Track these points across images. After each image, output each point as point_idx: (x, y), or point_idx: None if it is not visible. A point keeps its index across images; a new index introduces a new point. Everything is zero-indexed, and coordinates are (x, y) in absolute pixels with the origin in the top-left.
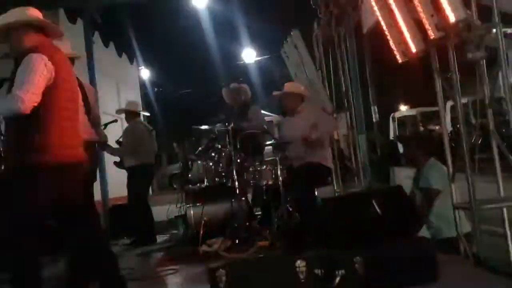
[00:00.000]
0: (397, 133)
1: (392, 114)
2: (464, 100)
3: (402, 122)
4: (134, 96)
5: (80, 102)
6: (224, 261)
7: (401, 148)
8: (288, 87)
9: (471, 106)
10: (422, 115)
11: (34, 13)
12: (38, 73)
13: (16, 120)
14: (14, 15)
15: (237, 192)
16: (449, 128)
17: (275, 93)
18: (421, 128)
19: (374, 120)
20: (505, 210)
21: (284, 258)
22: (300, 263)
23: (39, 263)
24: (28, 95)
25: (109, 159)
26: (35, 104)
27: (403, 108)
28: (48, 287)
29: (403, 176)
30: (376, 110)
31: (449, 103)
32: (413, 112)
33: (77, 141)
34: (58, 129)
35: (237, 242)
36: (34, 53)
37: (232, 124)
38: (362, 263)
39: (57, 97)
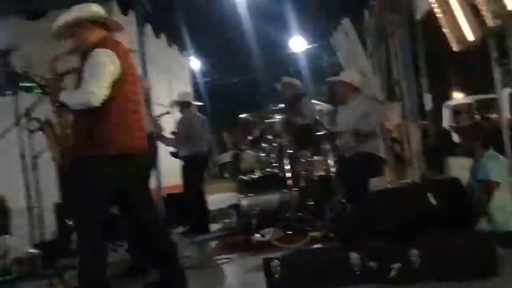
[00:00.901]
0: (451, 122)
1: (446, 102)
2: None
3: (457, 110)
4: (185, 86)
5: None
6: (277, 251)
7: (455, 138)
8: (343, 75)
9: None
10: (477, 103)
11: (97, 9)
12: (106, 68)
13: (86, 113)
14: (78, 11)
15: (289, 182)
16: (507, 116)
17: (331, 79)
18: (477, 117)
19: (427, 108)
20: None
21: (338, 250)
22: (354, 255)
23: (104, 247)
24: (99, 88)
25: (163, 149)
26: (105, 97)
27: (458, 95)
28: (108, 273)
29: (459, 167)
30: (430, 98)
31: (507, 91)
32: (468, 100)
33: (142, 133)
34: (125, 121)
35: (289, 232)
36: (100, 48)
37: (285, 116)
38: (418, 256)
39: (123, 90)
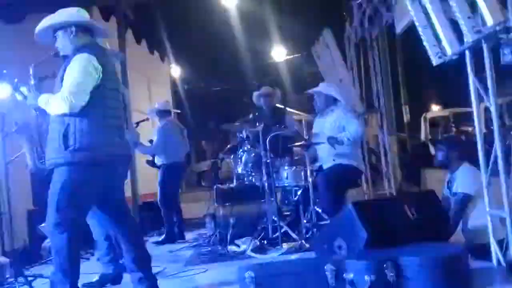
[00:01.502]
0: (428, 134)
1: (423, 115)
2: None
3: (434, 122)
4: (165, 93)
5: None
6: (252, 261)
7: (432, 150)
8: (321, 87)
9: (505, 107)
10: (454, 116)
11: (82, 14)
12: (87, 73)
13: (61, 119)
14: (63, 15)
15: (266, 192)
16: (483, 130)
17: (309, 91)
18: (453, 129)
19: (405, 120)
20: None
21: (314, 261)
22: (329, 267)
23: (78, 257)
24: (78, 95)
25: (140, 157)
26: (83, 104)
27: (435, 108)
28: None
29: (435, 179)
30: (408, 110)
31: (483, 105)
32: (445, 112)
33: (121, 141)
34: (104, 127)
35: (265, 242)
36: (82, 53)
37: (262, 125)
38: (393, 268)
39: (103, 96)
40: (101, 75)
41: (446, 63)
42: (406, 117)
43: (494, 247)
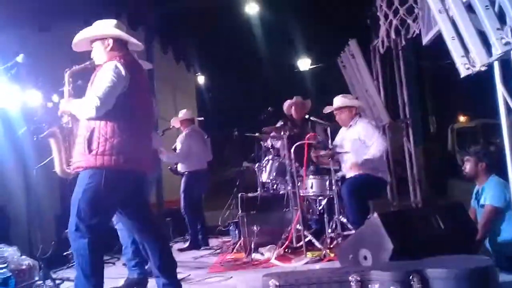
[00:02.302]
0: (455, 145)
1: (450, 126)
2: None
3: (461, 133)
4: (190, 102)
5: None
6: (276, 269)
7: (459, 161)
8: (339, 101)
9: None
10: (483, 127)
11: (119, 26)
12: (113, 81)
13: (88, 123)
14: (101, 28)
15: (291, 201)
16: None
17: (327, 108)
18: (481, 141)
19: (431, 131)
20: None
21: (338, 271)
22: (354, 277)
23: (103, 261)
24: (101, 101)
25: (164, 164)
26: (108, 108)
27: (462, 119)
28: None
29: (461, 190)
30: (434, 121)
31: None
32: (473, 123)
33: (146, 150)
34: (130, 134)
35: (289, 251)
36: (112, 61)
37: (287, 134)
38: (419, 280)
39: (130, 105)
40: (127, 83)
41: (475, 74)
42: (432, 128)
43: None
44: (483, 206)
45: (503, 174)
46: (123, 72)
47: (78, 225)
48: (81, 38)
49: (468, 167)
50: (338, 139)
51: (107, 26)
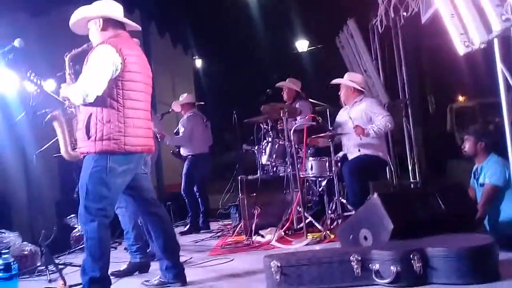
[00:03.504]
0: (454, 125)
1: (449, 105)
2: None
3: (460, 113)
4: (188, 85)
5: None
6: (277, 251)
7: (458, 140)
8: (346, 77)
9: None
10: (481, 106)
11: (112, 6)
12: (104, 65)
13: (85, 109)
14: (95, 8)
15: (291, 183)
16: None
17: (333, 81)
18: (480, 120)
19: (430, 111)
20: None
21: (339, 251)
22: (355, 257)
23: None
24: (90, 86)
25: (164, 148)
26: (98, 94)
27: (461, 98)
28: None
29: (460, 170)
30: (433, 101)
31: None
32: (471, 103)
33: (146, 131)
34: (127, 118)
35: (289, 233)
36: (104, 44)
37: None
38: (419, 259)
39: (126, 88)
40: (120, 67)
41: (474, 53)
42: (431, 108)
43: None
44: (482, 185)
45: (502, 153)
46: (114, 55)
47: (87, 208)
48: (74, 20)
49: (467, 146)
50: (338, 119)
51: (97, 6)
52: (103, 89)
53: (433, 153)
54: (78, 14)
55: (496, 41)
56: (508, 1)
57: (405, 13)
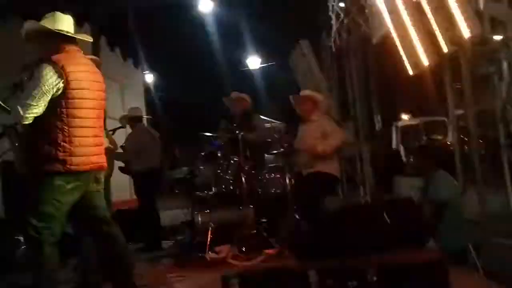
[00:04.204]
0: (400, 143)
1: (394, 123)
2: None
3: (405, 131)
4: (138, 100)
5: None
6: (232, 269)
7: (404, 158)
8: (307, 93)
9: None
10: (425, 125)
11: (63, 21)
12: (43, 85)
13: (27, 130)
14: (43, 21)
15: (245, 199)
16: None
17: (295, 96)
18: (424, 138)
19: (377, 129)
20: None
21: (297, 268)
22: (313, 274)
23: (57, 264)
24: (26, 107)
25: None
26: (35, 115)
27: (405, 117)
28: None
29: (407, 186)
30: (379, 119)
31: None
32: (416, 121)
33: (96, 149)
34: (72, 138)
35: (244, 250)
36: (48, 63)
37: (240, 132)
38: (375, 274)
39: (71, 106)
40: (62, 86)
41: (423, 73)
42: (378, 126)
43: (470, 252)
44: (431, 200)
45: (448, 170)
46: (53, 75)
47: (33, 226)
48: (24, 33)
49: (416, 162)
50: (299, 136)
51: (46, 19)
52: (41, 110)
53: (380, 170)
54: (27, 26)
55: (445, 62)
56: (457, 25)
57: (357, 34)
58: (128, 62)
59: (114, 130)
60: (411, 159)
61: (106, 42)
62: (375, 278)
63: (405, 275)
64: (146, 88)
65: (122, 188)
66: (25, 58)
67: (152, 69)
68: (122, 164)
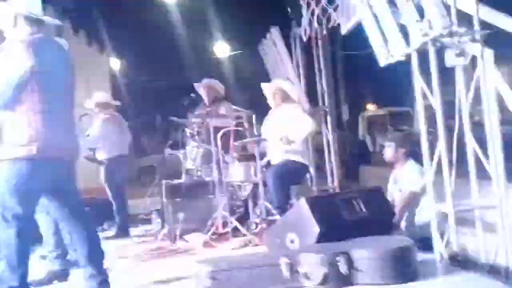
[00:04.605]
0: (366, 132)
1: (361, 114)
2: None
3: (371, 121)
4: (104, 87)
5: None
6: (203, 257)
7: (370, 148)
8: (277, 82)
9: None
10: (391, 115)
11: (31, 2)
12: (11, 68)
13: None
14: (9, 3)
15: (216, 188)
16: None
17: (266, 84)
18: (389, 127)
19: (344, 118)
20: (477, 212)
21: (268, 255)
22: (284, 261)
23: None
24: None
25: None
26: (4, 99)
27: (371, 107)
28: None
29: (373, 175)
30: (347, 109)
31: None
32: (382, 111)
33: (67, 135)
34: (44, 121)
35: (214, 238)
36: (18, 44)
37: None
38: (345, 261)
39: (41, 90)
40: (31, 69)
41: (392, 64)
42: (345, 116)
43: (436, 241)
44: (401, 190)
45: (417, 159)
46: (24, 57)
47: (3, 215)
48: None
49: (388, 152)
50: (266, 125)
51: (12, 1)
52: (10, 94)
53: (347, 159)
54: None
55: (414, 54)
56: (426, 18)
57: (327, 24)
58: (92, 48)
59: (81, 117)
60: (384, 149)
61: (70, 25)
62: (345, 267)
63: (375, 263)
64: (112, 74)
65: (89, 175)
66: None
67: (118, 55)
68: (89, 152)
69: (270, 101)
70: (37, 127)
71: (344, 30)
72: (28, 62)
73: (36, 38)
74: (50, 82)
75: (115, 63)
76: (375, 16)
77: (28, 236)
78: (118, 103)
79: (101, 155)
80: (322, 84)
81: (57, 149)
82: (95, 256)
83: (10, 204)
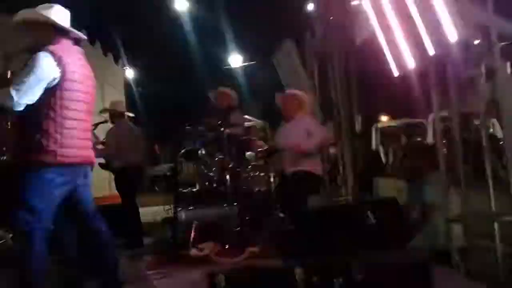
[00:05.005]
0: (379, 144)
1: (375, 125)
2: (445, 113)
3: (385, 133)
4: (118, 96)
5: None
6: (215, 266)
7: (383, 159)
8: (293, 92)
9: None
10: (405, 126)
11: (60, 13)
12: (38, 73)
13: (19, 117)
14: (41, 12)
15: (229, 197)
16: (431, 140)
17: (281, 94)
18: (403, 140)
19: (357, 130)
20: (496, 224)
21: (283, 265)
22: (299, 271)
23: (47, 259)
24: (20, 93)
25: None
26: (28, 102)
27: (385, 119)
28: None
29: (387, 187)
30: (360, 120)
31: (431, 116)
32: (395, 123)
33: (85, 142)
34: (64, 129)
35: (227, 247)
36: (44, 51)
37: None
38: (359, 271)
39: (65, 97)
40: (59, 76)
41: (408, 75)
42: (358, 127)
43: (454, 254)
44: (418, 202)
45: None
46: (52, 64)
47: (21, 220)
48: (17, 22)
49: (409, 163)
50: (282, 135)
51: (43, 11)
52: (35, 98)
53: (360, 171)
54: (25, 15)
55: (431, 65)
56: (442, 28)
57: (343, 36)
58: (108, 57)
59: (95, 125)
60: (404, 160)
61: (87, 36)
62: (360, 276)
63: (389, 273)
64: (127, 84)
65: (102, 184)
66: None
67: (133, 64)
68: (103, 160)
69: (284, 112)
70: (61, 133)
71: (358, 42)
72: (57, 70)
73: (64, 47)
74: (73, 90)
75: (130, 73)
76: (390, 27)
77: (45, 242)
78: (132, 115)
79: (114, 163)
80: (337, 96)
81: (78, 155)
82: (110, 265)
83: (29, 209)
